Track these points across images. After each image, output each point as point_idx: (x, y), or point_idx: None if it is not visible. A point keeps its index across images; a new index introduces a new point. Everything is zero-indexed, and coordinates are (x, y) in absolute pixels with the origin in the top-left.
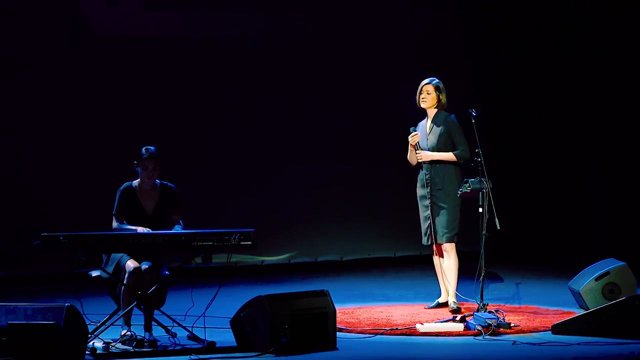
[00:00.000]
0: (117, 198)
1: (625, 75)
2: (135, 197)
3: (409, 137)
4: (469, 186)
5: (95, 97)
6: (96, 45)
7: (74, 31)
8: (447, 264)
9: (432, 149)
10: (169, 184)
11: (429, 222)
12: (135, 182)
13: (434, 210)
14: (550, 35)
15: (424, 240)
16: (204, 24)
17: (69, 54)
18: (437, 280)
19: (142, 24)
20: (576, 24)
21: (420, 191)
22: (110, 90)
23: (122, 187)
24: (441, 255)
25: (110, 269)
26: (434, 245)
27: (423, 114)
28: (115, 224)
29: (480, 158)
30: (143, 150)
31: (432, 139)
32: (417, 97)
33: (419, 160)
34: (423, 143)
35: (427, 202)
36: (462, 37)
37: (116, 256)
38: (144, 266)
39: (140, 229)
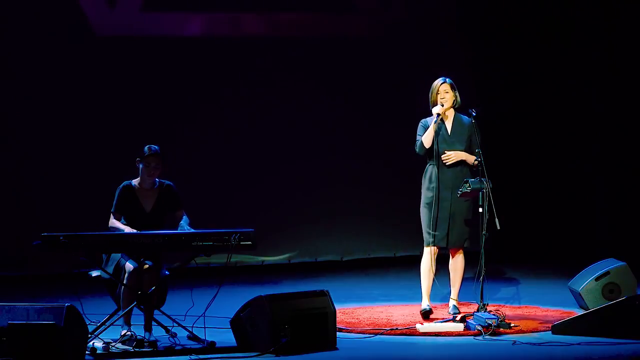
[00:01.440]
0: (116, 196)
1: (627, 75)
2: (134, 196)
3: (437, 107)
4: (469, 186)
5: (95, 97)
6: (96, 46)
7: (73, 32)
8: (460, 267)
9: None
10: (167, 181)
11: (447, 224)
12: (135, 181)
13: (456, 215)
14: (552, 35)
15: (441, 242)
16: (204, 24)
17: (69, 55)
18: (422, 284)
19: (142, 25)
20: (577, 24)
21: (434, 192)
22: (110, 90)
23: (121, 186)
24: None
25: (110, 269)
26: (434, 248)
27: (422, 115)
28: (111, 221)
29: (480, 158)
30: (146, 148)
31: (457, 143)
32: (434, 98)
33: (446, 162)
34: (443, 145)
35: (446, 204)
36: (463, 36)
37: (116, 256)
38: (144, 266)
39: (127, 230)
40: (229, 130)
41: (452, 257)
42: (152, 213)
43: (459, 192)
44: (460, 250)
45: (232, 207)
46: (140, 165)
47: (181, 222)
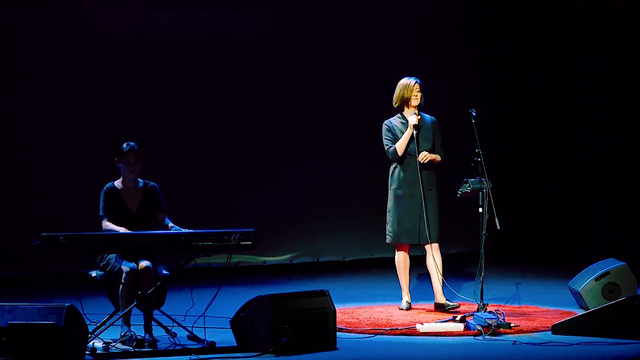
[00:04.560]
0: (101, 199)
1: (626, 75)
2: (119, 197)
3: (412, 117)
4: (469, 186)
5: (96, 96)
6: (97, 44)
7: (74, 31)
8: (438, 262)
9: (428, 150)
10: (152, 182)
11: (419, 221)
12: (117, 183)
13: (428, 210)
14: (551, 34)
15: (417, 239)
16: (205, 24)
17: (70, 54)
18: (401, 281)
19: (143, 24)
20: (577, 23)
21: (406, 190)
22: (111, 89)
23: (104, 188)
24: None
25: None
26: (403, 245)
27: (394, 112)
28: (105, 223)
29: (480, 158)
30: (124, 145)
31: (426, 141)
32: (409, 95)
33: (422, 161)
34: (413, 145)
35: (418, 201)
36: (462, 36)
37: (111, 257)
38: (141, 265)
39: (122, 231)
40: (230, 129)
41: (429, 253)
42: (138, 213)
43: (459, 192)
44: (436, 246)
45: (233, 207)
46: (120, 165)
47: (168, 223)
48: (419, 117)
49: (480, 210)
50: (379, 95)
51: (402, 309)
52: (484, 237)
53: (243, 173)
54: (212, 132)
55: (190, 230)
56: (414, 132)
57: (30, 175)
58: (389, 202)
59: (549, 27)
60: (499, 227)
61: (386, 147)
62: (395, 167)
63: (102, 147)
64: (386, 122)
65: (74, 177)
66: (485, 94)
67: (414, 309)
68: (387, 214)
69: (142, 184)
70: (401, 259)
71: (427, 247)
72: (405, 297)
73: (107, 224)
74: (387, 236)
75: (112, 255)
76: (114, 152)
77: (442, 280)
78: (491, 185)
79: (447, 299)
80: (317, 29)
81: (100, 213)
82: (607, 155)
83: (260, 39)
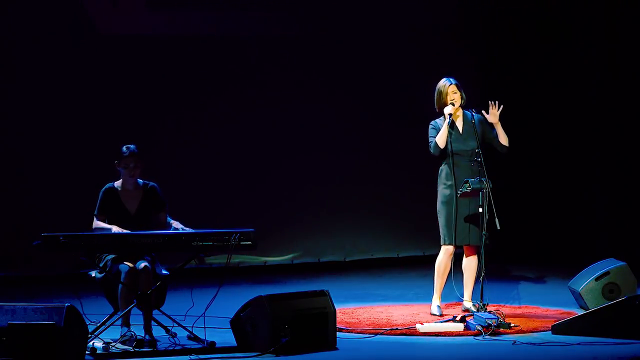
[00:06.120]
0: (99, 199)
1: (627, 75)
2: (117, 198)
3: (446, 110)
4: (469, 186)
5: (97, 96)
6: (99, 44)
7: (76, 30)
8: (474, 266)
9: (475, 150)
10: (152, 183)
11: (468, 221)
12: (117, 183)
13: (474, 211)
14: (553, 35)
15: (464, 240)
16: (207, 23)
17: (72, 54)
18: (436, 283)
19: (145, 23)
20: (579, 24)
21: (454, 190)
22: (113, 89)
23: (104, 188)
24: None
25: (101, 274)
26: (452, 247)
27: (425, 114)
28: (95, 223)
29: (480, 158)
30: (123, 148)
31: (470, 140)
32: (444, 99)
33: (504, 145)
34: (456, 143)
35: (466, 201)
36: (464, 37)
37: (108, 257)
38: (140, 265)
39: (115, 229)
40: (231, 129)
41: (467, 256)
42: (137, 215)
43: (459, 192)
44: (475, 250)
45: (235, 207)
46: (120, 168)
47: (170, 221)
48: (455, 108)
49: (480, 210)
50: (379, 95)
51: (434, 314)
52: (484, 237)
53: (244, 173)
54: (212, 131)
55: (191, 230)
56: (450, 122)
57: (30, 175)
58: (438, 204)
59: (552, 28)
60: (499, 227)
61: (430, 144)
62: (443, 167)
63: (102, 147)
64: (432, 122)
65: (73, 177)
66: (485, 93)
67: (413, 307)
68: (438, 215)
69: (141, 184)
70: (443, 262)
71: (467, 249)
72: (436, 302)
73: (98, 223)
74: (442, 238)
75: (110, 256)
76: (115, 153)
77: (479, 282)
78: (491, 185)
79: (474, 303)
80: (317, 30)
81: (95, 212)
82: (607, 155)
83: (261, 38)
